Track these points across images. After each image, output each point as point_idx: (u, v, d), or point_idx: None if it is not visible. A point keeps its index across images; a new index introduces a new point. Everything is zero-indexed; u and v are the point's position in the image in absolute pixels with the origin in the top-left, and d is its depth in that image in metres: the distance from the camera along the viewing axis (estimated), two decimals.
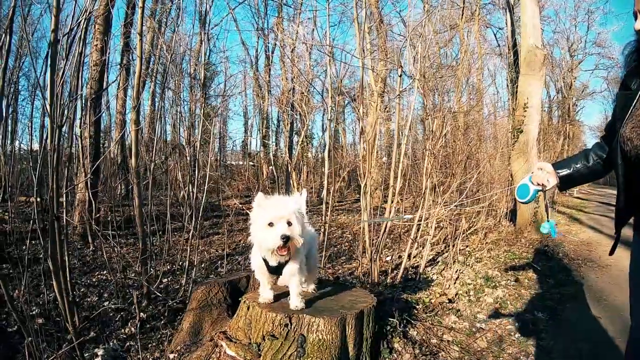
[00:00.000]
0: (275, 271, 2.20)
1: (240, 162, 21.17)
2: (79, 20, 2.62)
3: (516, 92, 7.80)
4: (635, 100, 1.51)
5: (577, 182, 1.95)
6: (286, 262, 2.13)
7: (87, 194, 6.01)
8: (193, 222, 4.81)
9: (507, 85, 11.99)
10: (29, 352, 2.31)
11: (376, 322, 2.59)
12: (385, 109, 10.16)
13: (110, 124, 11.71)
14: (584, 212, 12.04)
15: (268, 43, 16.71)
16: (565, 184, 1.92)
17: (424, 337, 3.12)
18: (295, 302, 2.24)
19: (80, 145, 5.69)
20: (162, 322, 3.51)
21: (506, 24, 12.33)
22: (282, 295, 2.40)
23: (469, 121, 6.70)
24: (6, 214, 5.87)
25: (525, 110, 7.02)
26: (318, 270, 2.87)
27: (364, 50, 4.14)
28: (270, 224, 1.97)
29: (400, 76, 3.86)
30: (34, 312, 3.63)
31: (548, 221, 1.96)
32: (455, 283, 4.36)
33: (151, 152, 6.81)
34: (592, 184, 23.58)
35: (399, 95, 4.11)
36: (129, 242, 6.85)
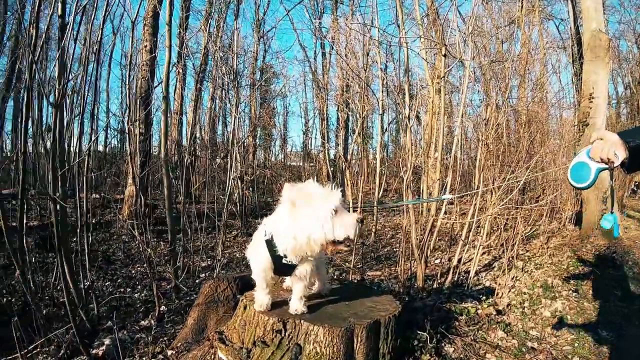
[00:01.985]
0: (283, 272, 1.92)
1: (301, 163, 21.28)
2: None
3: (580, 82, 6.88)
4: None
5: None
6: (297, 263, 1.84)
7: (135, 189, 6.18)
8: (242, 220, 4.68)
9: (572, 80, 10.78)
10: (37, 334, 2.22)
11: (399, 335, 2.18)
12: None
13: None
14: None
15: (324, 42, 16.56)
16: (636, 159, 1.39)
17: (461, 356, 2.63)
18: (296, 305, 1.93)
19: (129, 142, 5.85)
20: (179, 317, 3.37)
21: (568, 14, 11.26)
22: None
23: (531, 115, 5.95)
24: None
25: (591, 101, 6.11)
26: (326, 269, 2.52)
27: (398, 26, 3.73)
28: (335, 211, 1.72)
29: (445, 56, 3.41)
30: (62, 300, 3.70)
31: (612, 213, 1.44)
32: (509, 292, 3.76)
33: (210, 151, 6.85)
34: None
35: (443, 77, 3.65)
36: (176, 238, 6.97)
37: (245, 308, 2.05)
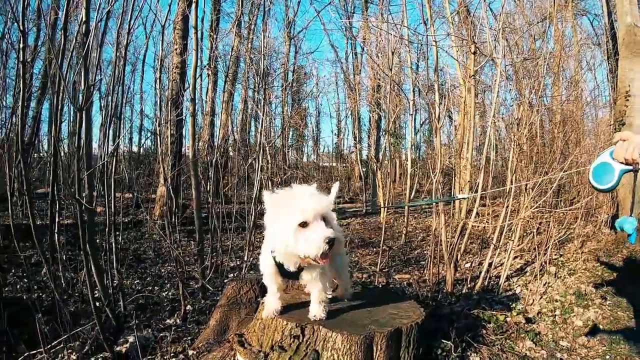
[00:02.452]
0: (289, 276, 1.86)
1: (333, 164, 21.28)
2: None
3: (616, 80, 6.49)
4: None
5: None
6: (299, 269, 1.78)
7: (165, 189, 6.33)
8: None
9: (608, 78, 10.20)
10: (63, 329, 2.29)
11: (422, 344, 2.09)
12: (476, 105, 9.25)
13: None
14: None
15: (355, 42, 16.46)
16: None
17: None
18: (316, 310, 1.87)
19: (159, 143, 5.99)
20: (204, 316, 3.40)
21: (602, 9, 10.66)
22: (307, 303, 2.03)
23: (565, 114, 5.65)
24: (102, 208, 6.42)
25: (627, 100, 5.76)
26: (349, 273, 2.45)
27: (425, 23, 3.62)
28: (304, 224, 1.59)
29: (475, 54, 3.27)
30: (96, 296, 3.81)
31: (631, 216, 1.32)
32: (540, 299, 3.57)
33: (241, 152, 6.95)
34: None
35: (472, 76, 3.50)
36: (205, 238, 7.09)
37: None
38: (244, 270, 4.64)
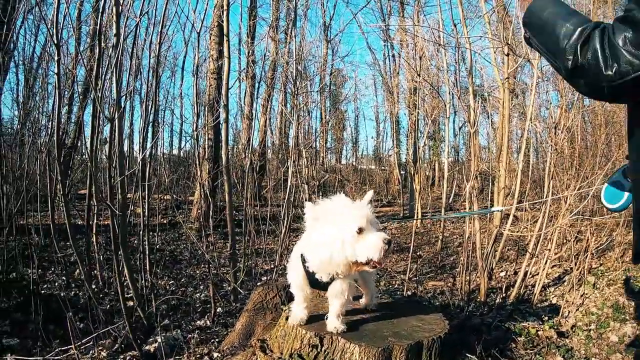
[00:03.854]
0: (319, 286, 1.87)
1: (372, 167, 21.18)
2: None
3: None
4: None
5: None
6: (331, 279, 1.78)
7: (202, 192, 6.51)
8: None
9: None
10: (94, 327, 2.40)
11: (444, 358, 2.00)
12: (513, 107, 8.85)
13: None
14: None
15: (393, 44, 16.28)
16: None
17: None
18: (334, 322, 1.86)
19: (196, 148, 6.19)
20: (233, 319, 3.44)
21: None
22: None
23: (607, 116, 5.27)
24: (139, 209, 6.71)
25: None
26: (375, 283, 2.40)
27: (455, 25, 3.50)
28: (360, 230, 1.63)
29: (508, 55, 3.12)
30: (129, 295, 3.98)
31: None
32: (576, 311, 3.35)
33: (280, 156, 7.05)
34: None
35: (507, 78, 3.34)
36: (239, 240, 7.22)
37: (287, 319, 2.03)
38: (274, 274, 4.68)
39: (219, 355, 2.48)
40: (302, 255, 1.84)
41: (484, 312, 3.62)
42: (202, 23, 4.28)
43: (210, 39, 6.48)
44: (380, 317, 2.10)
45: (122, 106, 2.19)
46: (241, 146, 10.76)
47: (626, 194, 1.26)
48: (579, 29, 0.96)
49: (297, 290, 1.93)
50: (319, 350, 1.77)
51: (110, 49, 2.71)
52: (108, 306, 3.24)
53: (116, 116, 2.10)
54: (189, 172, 10.71)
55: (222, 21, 6.43)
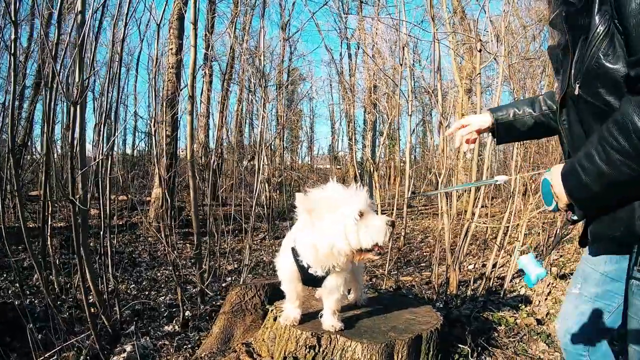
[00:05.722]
0: (312, 282, 1.75)
1: (328, 166, 21.18)
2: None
3: None
4: None
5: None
6: (327, 273, 1.66)
7: (161, 191, 6.17)
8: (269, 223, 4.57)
9: None
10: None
11: (440, 349, 1.97)
12: (472, 105, 9.20)
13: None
14: None
15: (350, 43, 16.38)
16: (507, 133, 1.53)
17: None
18: (331, 320, 1.76)
19: (154, 144, 5.84)
20: (204, 323, 3.24)
21: None
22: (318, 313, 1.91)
23: None
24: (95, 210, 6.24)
25: None
26: (364, 277, 2.33)
27: (433, 19, 3.52)
28: (361, 215, 1.52)
29: (480, 51, 3.17)
30: (90, 301, 3.64)
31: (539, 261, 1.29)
32: (546, 300, 3.48)
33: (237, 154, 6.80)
34: None
35: (479, 74, 3.40)
36: (202, 241, 6.92)
37: (275, 319, 1.90)
38: (244, 274, 4.50)
39: None
40: (293, 249, 1.72)
41: (458, 304, 3.67)
42: (163, 15, 4.02)
43: (169, 31, 6.15)
44: (373, 312, 2.03)
45: (86, 89, 1.95)
46: (198, 144, 10.34)
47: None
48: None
49: (289, 287, 1.80)
50: (316, 351, 1.66)
51: (68, 36, 2.44)
52: (67, 314, 2.93)
53: (79, 100, 1.87)
54: (145, 171, 10.17)
55: (184, 12, 6.14)
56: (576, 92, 1.06)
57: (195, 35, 3.48)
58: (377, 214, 1.61)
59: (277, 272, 1.84)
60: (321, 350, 1.67)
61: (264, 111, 4.82)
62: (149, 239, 6.58)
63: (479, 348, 2.45)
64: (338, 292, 1.72)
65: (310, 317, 1.89)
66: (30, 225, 4.40)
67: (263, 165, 6.28)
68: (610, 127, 0.91)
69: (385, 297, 2.34)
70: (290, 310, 1.83)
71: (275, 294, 2.65)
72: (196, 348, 2.78)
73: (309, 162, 21.47)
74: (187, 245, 6.20)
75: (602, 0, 0.97)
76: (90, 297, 2.72)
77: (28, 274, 4.21)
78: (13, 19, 2.02)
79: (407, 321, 1.96)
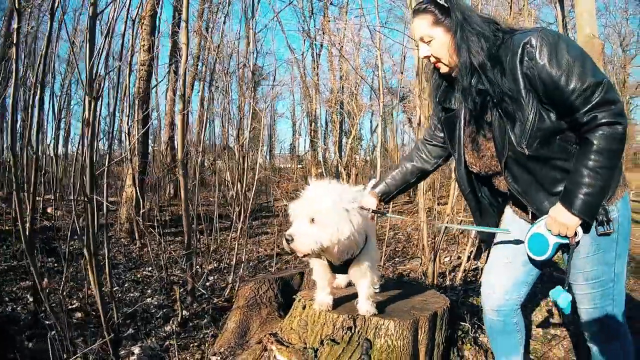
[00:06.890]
0: (339, 270, 1.87)
1: (289, 165, 21.16)
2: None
3: None
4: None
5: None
6: (352, 258, 1.78)
7: (134, 191, 6.00)
8: (241, 221, 4.60)
9: None
10: (62, 346, 2.11)
11: (449, 326, 2.20)
12: None
13: (160, 126, 11.81)
14: None
15: (314, 44, 16.46)
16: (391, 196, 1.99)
17: None
18: (366, 306, 1.86)
19: (127, 143, 5.67)
20: (205, 321, 3.27)
21: (556, 18, 11.55)
22: (342, 299, 2.06)
23: None
24: (57, 211, 5.95)
25: None
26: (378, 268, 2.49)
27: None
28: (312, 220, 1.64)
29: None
30: (74, 306, 3.53)
31: (565, 289, 1.40)
32: None
33: (201, 152, 6.72)
34: None
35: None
36: (175, 240, 6.80)
37: (304, 308, 2.00)
38: (240, 271, 4.51)
39: (217, 357, 2.35)
40: None
41: (441, 292, 3.95)
42: (137, 11, 3.95)
43: (141, 28, 5.97)
44: (388, 297, 2.19)
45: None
46: (164, 144, 10.08)
47: (550, 247, 1.40)
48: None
49: (320, 274, 1.92)
50: (353, 331, 1.80)
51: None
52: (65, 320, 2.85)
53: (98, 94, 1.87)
54: (109, 171, 9.71)
55: (156, 9, 6.00)
56: (526, 153, 1.38)
57: (187, 33, 3.48)
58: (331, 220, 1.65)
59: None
60: (357, 330, 1.81)
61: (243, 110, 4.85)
62: (122, 240, 6.38)
63: (476, 326, 2.71)
64: (366, 276, 1.82)
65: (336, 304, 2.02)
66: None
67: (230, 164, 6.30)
68: (592, 157, 1.31)
69: (391, 284, 2.51)
70: (323, 297, 1.94)
71: (286, 286, 2.76)
72: (203, 345, 2.81)
73: (271, 162, 21.42)
74: (163, 245, 6.08)
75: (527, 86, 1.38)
76: (74, 303, 2.67)
77: (2, 280, 3.99)
78: (17, 6, 1.97)
79: (421, 302, 2.14)
